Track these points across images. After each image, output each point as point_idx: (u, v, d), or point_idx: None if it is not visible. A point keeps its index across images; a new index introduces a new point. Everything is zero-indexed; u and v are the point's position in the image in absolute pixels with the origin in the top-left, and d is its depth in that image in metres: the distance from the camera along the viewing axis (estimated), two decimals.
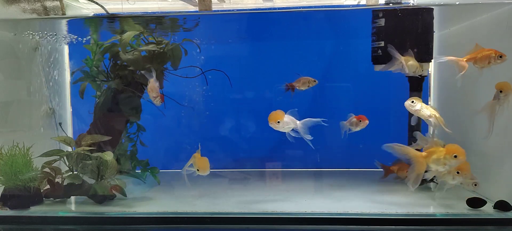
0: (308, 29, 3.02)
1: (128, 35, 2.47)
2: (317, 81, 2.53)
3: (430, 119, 2.15)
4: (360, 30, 2.82)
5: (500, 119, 2.13)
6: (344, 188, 2.64)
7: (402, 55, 2.24)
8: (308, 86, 2.52)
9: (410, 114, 2.58)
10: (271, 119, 2.16)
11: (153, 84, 2.30)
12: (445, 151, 1.93)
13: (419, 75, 2.39)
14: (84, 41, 2.82)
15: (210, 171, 2.20)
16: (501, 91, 1.98)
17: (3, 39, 2.61)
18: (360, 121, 2.41)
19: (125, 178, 2.56)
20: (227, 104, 3.20)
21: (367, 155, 3.08)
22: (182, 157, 3.18)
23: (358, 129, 2.42)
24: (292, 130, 2.21)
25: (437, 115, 2.14)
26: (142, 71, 2.45)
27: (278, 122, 2.15)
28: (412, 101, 2.17)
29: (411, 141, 2.56)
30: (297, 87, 2.53)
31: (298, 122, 2.20)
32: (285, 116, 2.18)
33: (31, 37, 2.77)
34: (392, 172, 2.70)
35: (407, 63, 2.22)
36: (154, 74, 2.30)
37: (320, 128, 3.11)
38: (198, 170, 2.16)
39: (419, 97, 2.60)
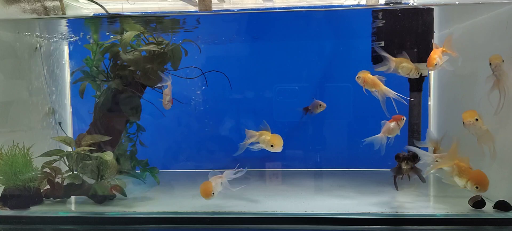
0: (308, 29, 3.02)
1: (129, 35, 2.48)
2: (325, 105, 2.67)
3: (374, 93, 2.20)
4: (360, 30, 2.82)
5: (500, 118, 2.13)
6: (344, 188, 2.63)
7: (397, 56, 2.23)
8: (318, 110, 2.67)
9: (410, 113, 2.59)
10: (205, 196, 2.12)
11: (170, 88, 2.39)
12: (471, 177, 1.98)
13: (419, 75, 2.37)
14: (87, 39, 2.82)
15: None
16: (490, 64, 2.01)
17: (3, 39, 2.61)
18: (399, 121, 2.25)
19: (125, 178, 2.56)
20: (227, 104, 3.20)
21: (367, 155, 3.08)
22: (181, 157, 3.21)
23: (398, 131, 2.26)
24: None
25: (383, 88, 2.18)
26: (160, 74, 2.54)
27: (213, 193, 2.12)
28: (358, 77, 2.21)
29: (411, 140, 2.56)
30: (311, 109, 2.68)
31: (221, 178, 2.19)
32: (212, 181, 2.15)
33: (31, 37, 2.77)
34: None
35: (400, 65, 2.20)
36: (170, 78, 2.40)
37: (320, 127, 3.12)
38: (272, 146, 2.16)
39: (419, 97, 2.61)
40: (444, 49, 2.17)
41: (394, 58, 2.21)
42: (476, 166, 2.37)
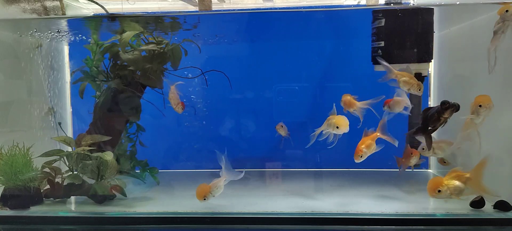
0: (308, 29, 3.02)
1: (128, 35, 2.48)
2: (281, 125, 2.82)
3: (354, 113, 2.28)
4: (360, 30, 2.82)
5: (501, 119, 2.13)
6: (344, 188, 2.64)
7: (400, 63, 2.23)
8: (280, 131, 2.82)
9: (410, 114, 2.58)
10: (198, 197, 2.12)
11: (173, 92, 2.38)
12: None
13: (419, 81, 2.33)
14: (88, 39, 2.83)
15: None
16: (480, 106, 2.00)
17: (3, 39, 2.61)
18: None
19: (125, 178, 2.56)
20: (227, 105, 3.20)
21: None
22: (181, 157, 3.21)
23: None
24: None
25: (358, 105, 2.28)
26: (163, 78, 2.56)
27: (204, 199, 2.12)
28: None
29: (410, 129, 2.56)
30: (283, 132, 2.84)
31: (222, 178, 2.16)
32: (212, 185, 2.15)
33: (31, 37, 2.77)
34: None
35: (401, 79, 2.19)
36: (171, 82, 2.40)
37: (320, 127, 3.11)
38: (337, 127, 2.16)
39: (419, 98, 2.61)
40: (378, 134, 2.19)
41: (396, 71, 2.20)
42: (473, 165, 2.36)
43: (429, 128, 2.22)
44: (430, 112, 2.20)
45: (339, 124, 2.17)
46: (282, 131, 2.79)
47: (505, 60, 2.06)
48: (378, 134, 2.21)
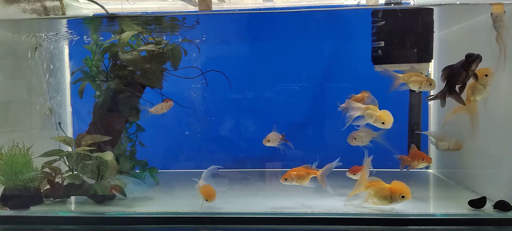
0: (308, 29, 3.02)
1: (126, 35, 2.47)
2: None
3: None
4: (360, 30, 2.82)
5: (500, 119, 2.13)
6: (344, 188, 2.63)
7: (400, 63, 2.22)
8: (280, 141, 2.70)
9: (410, 114, 2.58)
10: (211, 198, 2.16)
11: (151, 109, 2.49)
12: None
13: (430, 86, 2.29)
14: (86, 40, 2.83)
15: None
16: (491, 14, 1.98)
17: (3, 39, 2.61)
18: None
19: (125, 178, 2.56)
20: (227, 105, 3.20)
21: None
22: (181, 157, 3.21)
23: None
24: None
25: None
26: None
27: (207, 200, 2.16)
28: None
29: (411, 140, 2.56)
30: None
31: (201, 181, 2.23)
32: (201, 182, 2.21)
33: (31, 37, 2.77)
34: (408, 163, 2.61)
35: (409, 79, 2.17)
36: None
37: (321, 127, 3.12)
38: (383, 123, 2.11)
39: (419, 97, 2.62)
40: (317, 174, 2.21)
41: (401, 75, 2.18)
42: (475, 166, 2.37)
43: (457, 85, 2.15)
44: (454, 68, 2.11)
45: (385, 120, 2.10)
46: (271, 143, 2.59)
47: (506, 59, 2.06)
48: (317, 174, 2.19)
